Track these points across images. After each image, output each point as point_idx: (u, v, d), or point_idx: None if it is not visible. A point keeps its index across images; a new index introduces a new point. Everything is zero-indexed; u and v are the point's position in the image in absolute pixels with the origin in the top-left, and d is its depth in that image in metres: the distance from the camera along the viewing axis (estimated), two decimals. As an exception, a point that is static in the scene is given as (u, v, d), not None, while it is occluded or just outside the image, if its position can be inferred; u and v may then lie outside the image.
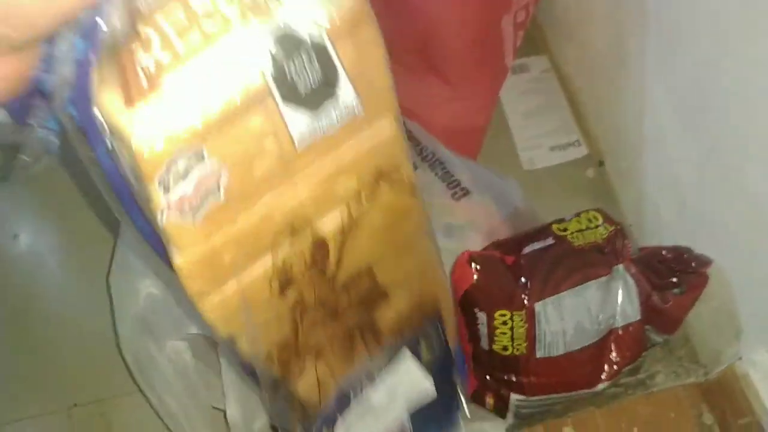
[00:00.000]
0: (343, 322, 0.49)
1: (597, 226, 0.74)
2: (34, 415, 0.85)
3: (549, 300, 0.67)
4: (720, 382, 0.75)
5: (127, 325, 0.68)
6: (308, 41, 0.34)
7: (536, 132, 1.01)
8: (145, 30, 0.30)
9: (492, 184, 0.84)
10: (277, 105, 0.34)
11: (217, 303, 0.40)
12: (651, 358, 0.81)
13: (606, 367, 0.71)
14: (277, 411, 0.51)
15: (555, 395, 0.71)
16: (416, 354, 0.59)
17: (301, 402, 0.51)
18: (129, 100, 0.31)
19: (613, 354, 0.71)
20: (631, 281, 0.72)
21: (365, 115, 0.39)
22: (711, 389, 0.77)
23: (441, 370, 0.66)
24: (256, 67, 0.33)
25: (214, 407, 0.70)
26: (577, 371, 0.70)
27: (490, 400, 0.71)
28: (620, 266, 0.72)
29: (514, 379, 0.70)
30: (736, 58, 0.64)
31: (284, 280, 0.42)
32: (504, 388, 0.71)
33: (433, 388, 0.64)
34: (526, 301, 0.66)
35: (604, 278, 0.70)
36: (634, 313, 0.72)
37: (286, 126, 0.35)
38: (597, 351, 0.70)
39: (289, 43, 0.34)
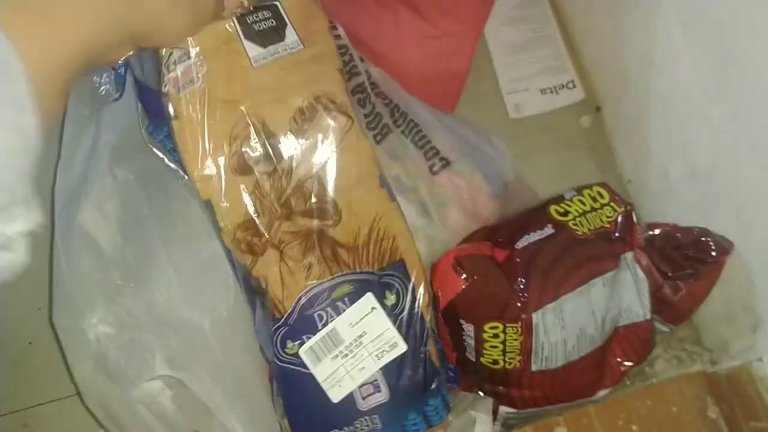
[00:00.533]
0: (299, 225, 0.55)
1: (602, 206, 0.62)
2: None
3: (549, 307, 0.56)
4: (730, 378, 0.67)
5: (84, 369, 0.56)
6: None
7: (524, 71, 0.86)
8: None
9: (478, 151, 0.70)
10: (240, 39, 0.53)
11: (198, 167, 0.53)
12: (650, 341, 0.72)
13: (608, 373, 0.62)
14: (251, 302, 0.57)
15: (549, 407, 0.62)
16: (380, 301, 0.56)
17: (266, 297, 0.55)
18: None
19: (618, 358, 0.62)
20: (641, 275, 0.62)
21: (307, 51, 0.55)
22: (718, 381, 0.69)
23: (410, 330, 0.57)
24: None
25: None
26: (576, 381, 0.61)
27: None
28: (629, 255, 0.62)
29: (504, 391, 0.61)
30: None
31: (242, 165, 0.53)
32: (492, 398, 0.62)
33: (403, 342, 0.56)
34: (522, 312, 0.55)
35: (610, 273, 0.60)
36: (643, 311, 0.62)
37: (246, 51, 0.53)
38: (599, 356, 0.61)
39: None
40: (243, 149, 0.52)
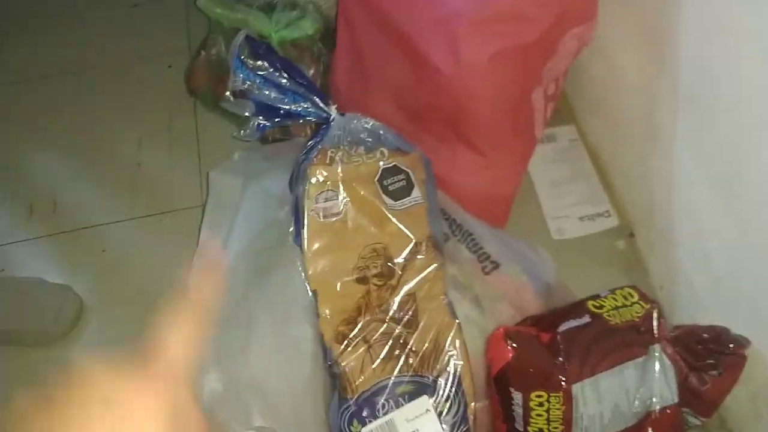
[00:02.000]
0: (389, 329, 0.68)
1: (632, 304, 0.73)
2: None
3: (587, 381, 0.66)
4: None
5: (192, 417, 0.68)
6: (402, 169, 0.75)
7: (565, 202, 1.01)
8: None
9: (523, 256, 0.84)
10: (379, 192, 0.73)
11: (317, 264, 0.70)
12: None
13: (644, 451, 0.69)
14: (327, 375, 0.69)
15: (591, 481, 0.69)
16: (435, 404, 0.66)
17: (342, 377, 0.66)
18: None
19: (652, 438, 0.69)
20: (667, 362, 0.71)
21: (424, 204, 0.75)
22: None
23: (458, 427, 0.65)
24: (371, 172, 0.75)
25: None
26: (613, 456, 0.68)
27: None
28: (657, 346, 0.71)
29: (549, 461, 0.68)
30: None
31: (361, 276, 0.70)
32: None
33: None
34: (563, 382, 0.65)
35: (640, 359, 0.69)
36: (671, 396, 0.70)
37: (383, 200, 0.73)
38: (635, 434, 0.68)
39: (391, 169, 0.75)
40: (366, 264, 0.70)
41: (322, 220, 0.70)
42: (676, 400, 0.70)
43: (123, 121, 1.16)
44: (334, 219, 0.70)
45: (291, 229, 0.73)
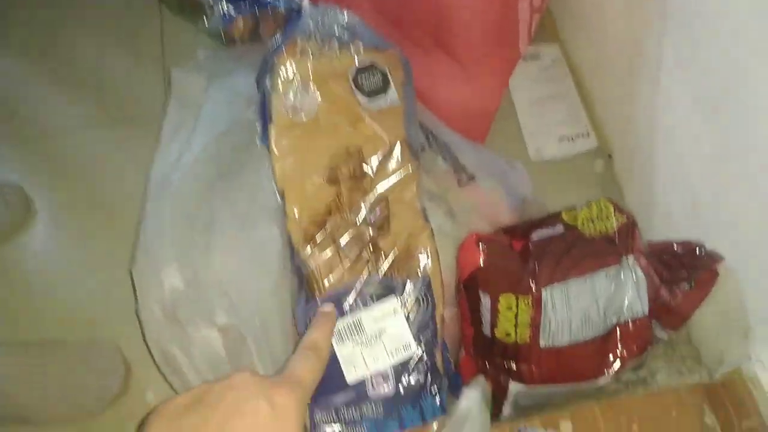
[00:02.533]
0: (359, 231, 0.66)
1: (607, 216, 0.72)
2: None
3: (557, 286, 0.65)
4: (725, 383, 0.73)
5: (151, 313, 0.65)
6: (378, 68, 0.70)
7: (544, 121, 0.99)
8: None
9: (499, 171, 0.81)
10: (351, 88, 0.68)
11: (284, 164, 0.66)
12: (653, 355, 0.79)
13: (610, 360, 0.69)
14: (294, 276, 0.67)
15: (556, 386, 0.68)
16: (403, 305, 0.64)
17: (309, 277, 0.64)
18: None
19: (619, 348, 0.69)
20: (640, 274, 0.70)
21: (400, 106, 0.70)
22: (715, 389, 0.75)
23: (423, 337, 0.64)
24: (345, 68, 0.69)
25: None
26: (580, 363, 0.67)
27: (488, 387, 0.68)
28: (630, 257, 0.70)
29: (514, 367, 0.67)
30: (759, 56, 0.62)
31: (332, 177, 0.66)
32: (504, 375, 0.69)
33: (415, 345, 0.63)
34: (533, 286, 0.64)
35: (613, 268, 0.68)
36: (642, 308, 0.69)
37: (357, 99, 0.68)
38: (602, 344, 0.68)
39: (367, 68, 0.70)
40: (339, 166, 0.67)
41: (291, 116, 0.66)
42: (646, 312, 0.69)
43: (86, 25, 1.09)
44: (304, 116, 0.66)
45: (258, 127, 0.69)
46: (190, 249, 0.66)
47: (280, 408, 0.41)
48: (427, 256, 0.66)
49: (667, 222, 0.86)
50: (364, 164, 0.67)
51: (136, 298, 0.66)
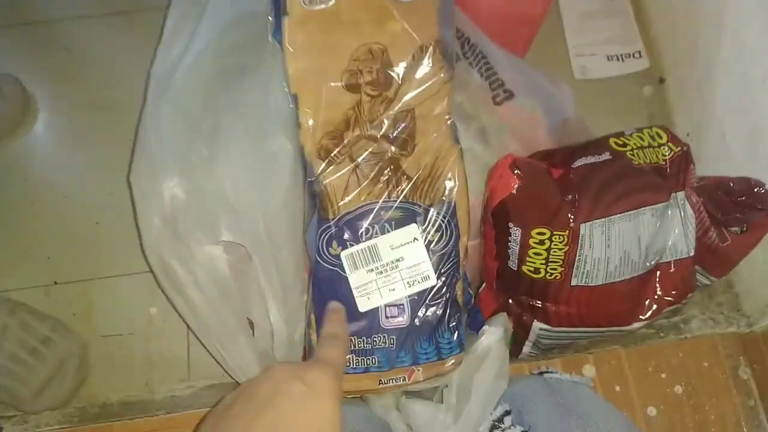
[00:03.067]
0: (381, 147, 0.59)
1: (660, 145, 0.64)
2: (10, 289, 0.79)
3: (597, 222, 0.58)
4: (766, 335, 0.67)
5: (152, 227, 0.59)
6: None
7: (593, 37, 0.89)
8: None
9: (541, 88, 0.73)
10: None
11: (296, 64, 0.58)
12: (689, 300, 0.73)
13: (646, 305, 0.63)
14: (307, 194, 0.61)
15: (583, 329, 0.63)
16: (424, 233, 0.59)
17: (323, 196, 0.58)
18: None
19: (658, 292, 0.63)
20: (690, 212, 0.63)
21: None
22: (754, 341, 0.69)
23: (444, 268, 0.59)
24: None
25: (248, 318, 0.63)
26: (613, 306, 0.62)
27: (509, 325, 0.64)
28: (681, 193, 0.63)
29: (540, 305, 0.62)
30: None
31: (353, 82, 0.58)
32: (528, 313, 0.64)
33: (435, 276, 0.58)
34: (571, 221, 0.57)
35: (661, 205, 0.61)
36: (687, 249, 0.63)
37: None
38: (639, 286, 0.62)
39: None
40: (360, 69, 0.58)
41: (307, 6, 0.58)
42: (691, 254, 0.63)
43: None
44: (322, 6, 0.58)
45: (271, 19, 0.61)
46: (193, 158, 0.60)
47: (315, 386, 0.43)
48: (455, 180, 0.59)
49: (720, 153, 0.77)
50: (388, 69, 0.60)
51: (134, 208, 0.60)
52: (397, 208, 0.59)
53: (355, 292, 0.58)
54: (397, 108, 0.59)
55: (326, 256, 0.58)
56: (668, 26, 0.85)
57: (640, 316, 0.63)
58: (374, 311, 0.58)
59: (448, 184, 0.60)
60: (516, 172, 0.58)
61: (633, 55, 0.88)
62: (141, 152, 0.61)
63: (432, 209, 0.59)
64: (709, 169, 0.78)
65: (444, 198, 0.59)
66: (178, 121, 0.61)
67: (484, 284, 0.67)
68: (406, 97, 0.59)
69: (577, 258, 0.58)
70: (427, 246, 0.58)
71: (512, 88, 0.72)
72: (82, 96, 0.88)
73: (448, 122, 0.61)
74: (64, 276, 0.80)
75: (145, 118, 0.62)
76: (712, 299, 0.75)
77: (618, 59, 0.87)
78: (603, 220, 0.58)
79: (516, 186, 0.57)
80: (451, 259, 0.58)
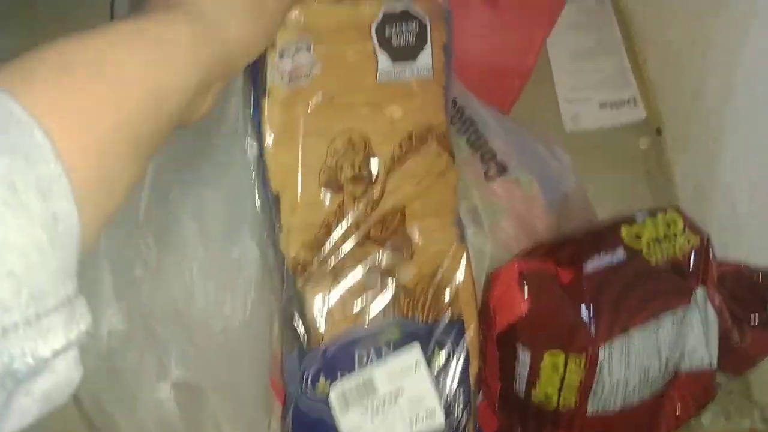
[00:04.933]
0: (367, 255, 0.49)
1: (676, 234, 0.56)
2: None
3: (617, 340, 0.50)
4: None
5: (86, 367, 0.48)
6: (415, 17, 0.49)
7: (585, 81, 0.80)
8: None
9: (536, 157, 0.64)
10: (374, 46, 0.48)
11: (279, 158, 0.48)
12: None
13: (664, 423, 0.56)
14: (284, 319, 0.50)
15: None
16: (427, 358, 0.49)
17: (305, 322, 0.48)
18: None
19: (677, 407, 0.56)
20: (712, 315, 0.56)
21: (433, 80, 0.51)
22: (771, 440, 0.63)
23: (453, 401, 0.50)
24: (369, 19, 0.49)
25: None
26: (628, 429, 0.54)
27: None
28: (701, 290, 0.55)
29: None
30: None
31: (332, 180, 0.49)
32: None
33: (442, 413, 0.49)
34: (589, 344, 0.49)
35: (680, 308, 0.53)
36: (709, 359, 0.56)
37: (376, 61, 0.49)
38: (657, 403, 0.55)
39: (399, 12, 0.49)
40: (339, 164, 0.49)
41: (287, 84, 0.46)
42: (714, 365, 0.55)
43: None
44: (303, 83, 0.47)
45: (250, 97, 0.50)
46: (136, 273, 0.48)
47: None
48: (462, 291, 0.50)
49: (730, 219, 0.70)
50: (372, 159, 0.49)
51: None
52: (394, 327, 0.49)
53: None
54: (385, 207, 0.49)
55: (311, 395, 0.48)
56: (666, 70, 0.77)
57: (657, 433, 0.56)
58: None
59: (455, 296, 0.50)
60: (525, 288, 0.49)
61: (627, 101, 0.79)
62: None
63: (436, 327, 0.49)
64: (714, 236, 0.71)
65: (450, 313, 0.50)
66: (116, 229, 0.49)
67: (480, 395, 0.58)
68: (395, 194, 0.49)
69: (595, 384, 0.50)
70: (433, 374, 0.49)
71: (505, 159, 0.62)
72: None
73: (452, 220, 0.51)
74: None
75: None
76: (722, 386, 0.68)
77: (612, 107, 0.79)
78: (622, 337, 0.50)
79: (528, 307, 0.48)
80: (461, 389, 0.49)
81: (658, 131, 0.79)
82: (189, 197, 0.50)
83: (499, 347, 0.52)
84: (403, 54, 0.49)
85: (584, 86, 0.79)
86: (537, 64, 0.77)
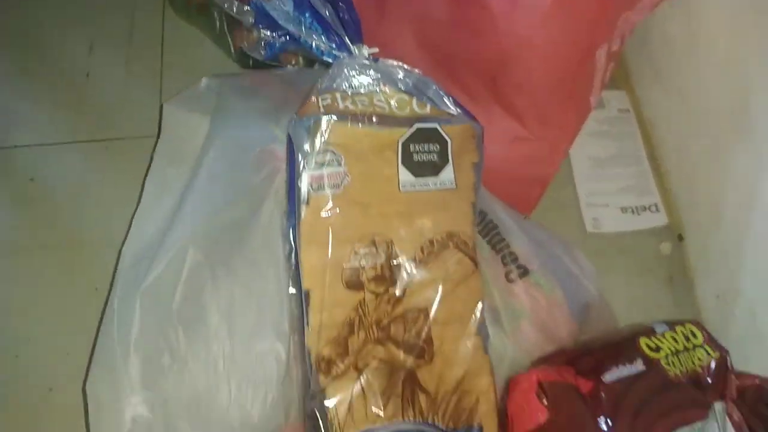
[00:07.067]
0: (390, 354, 0.51)
1: (695, 347, 0.57)
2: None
3: (635, 455, 0.50)
4: None
5: None
6: (440, 136, 0.55)
7: (606, 187, 0.83)
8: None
9: (559, 262, 0.66)
10: (397, 161, 0.53)
11: (312, 257, 0.51)
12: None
13: None
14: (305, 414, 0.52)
15: None
16: None
17: (325, 417, 0.50)
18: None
19: None
20: (731, 430, 0.55)
21: (461, 195, 0.55)
22: None
23: None
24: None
25: None
26: None
27: None
28: (719, 405, 0.55)
29: None
30: None
31: (354, 280, 0.52)
32: None
33: None
34: (607, 457, 0.49)
35: (699, 423, 0.53)
36: (730, 474, 0.55)
37: (398, 175, 0.53)
38: None
39: (426, 132, 0.54)
40: (361, 264, 0.51)
41: (319, 192, 0.51)
42: (734, 483, 0.55)
43: (75, 20, 0.92)
44: (336, 192, 0.51)
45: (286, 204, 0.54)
46: (164, 363, 0.51)
47: None
48: (484, 401, 0.51)
49: (750, 330, 0.70)
50: (395, 261, 0.52)
51: (87, 424, 0.51)
52: (414, 431, 0.50)
53: None
54: (406, 308, 0.52)
55: None
56: (688, 183, 0.80)
57: None
58: None
59: (476, 404, 0.52)
60: (544, 400, 0.50)
61: (649, 208, 0.82)
62: (102, 356, 0.53)
63: None
64: (734, 345, 0.71)
65: (470, 421, 0.51)
66: (149, 318, 0.52)
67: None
68: (419, 297, 0.52)
69: (612, 498, 0.50)
70: None
71: (527, 263, 0.65)
72: (46, 234, 0.79)
73: (474, 326, 0.53)
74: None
75: (111, 311, 0.53)
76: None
77: (633, 212, 0.82)
78: (641, 450, 0.50)
79: (546, 418, 0.49)
80: None
81: (680, 237, 0.81)
82: (220, 294, 0.53)
83: (516, 454, 0.52)
84: (425, 170, 0.53)
85: (606, 192, 0.83)
86: (560, 167, 0.81)
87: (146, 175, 0.61)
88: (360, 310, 0.51)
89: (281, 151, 0.57)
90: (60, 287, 0.76)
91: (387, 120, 0.52)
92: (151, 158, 0.63)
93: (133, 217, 0.59)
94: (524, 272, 0.64)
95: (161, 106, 0.69)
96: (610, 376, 0.53)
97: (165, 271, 0.53)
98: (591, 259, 0.75)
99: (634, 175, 0.84)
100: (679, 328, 0.58)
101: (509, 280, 0.64)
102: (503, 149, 0.72)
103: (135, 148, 0.81)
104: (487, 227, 0.66)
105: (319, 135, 0.50)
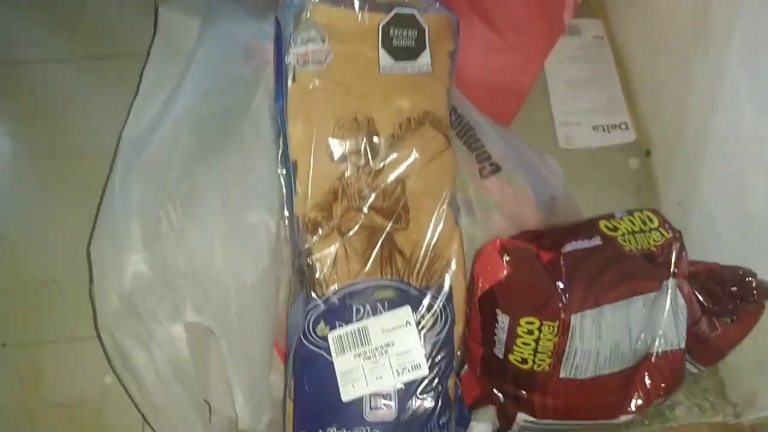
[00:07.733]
0: (370, 219, 0.57)
1: (651, 230, 0.62)
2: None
3: (588, 312, 0.55)
4: (754, 428, 0.65)
5: (109, 303, 0.55)
6: (418, 23, 0.58)
7: (579, 106, 0.88)
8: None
9: (528, 163, 0.71)
10: (378, 44, 0.57)
11: (298, 129, 0.56)
12: (674, 386, 0.70)
13: (635, 398, 0.60)
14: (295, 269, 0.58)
15: (569, 422, 0.60)
16: (417, 318, 0.56)
17: (311, 271, 0.55)
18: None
19: (647, 384, 0.60)
20: (681, 302, 0.61)
21: (437, 80, 0.60)
22: (741, 431, 0.67)
23: (437, 357, 0.56)
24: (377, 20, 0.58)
25: (206, 401, 0.59)
26: (601, 399, 0.59)
27: (497, 421, 0.60)
28: (672, 281, 0.61)
29: (525, 396, 0.59)
30: None
31: (338, 152, 0.56)
32: (511, 404, 0.60)
33: (427, 366, 0.55)
34: (561, 311, 0.54)
35: (652, 294, 0.59)
36: (678, 340, 0.60)
37: (378, 58, 0.58)
38: (628, 378, 0.59)
39: (404, 18, 0.58)
40: (344, 139, 0.56)
41: (303, 67, 0.55)
42: (682, 346, 0.60)
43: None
44: (318, 68, 0.55)
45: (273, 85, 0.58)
46: (162, 229, 0.56)
47: None
48: (453, 264, 0.56)
49: (708, 231, 0.75)
50: (375, 137, 0.57)
51: (91, 279, 0.56)
52: (390, 287, 0.55)
53: (339, 379, 0.54)
54: (385, 179, 0.57)
55: (312, 337, 0.54)
56: (655, 101, 0.85)
57: (628, 409, 0.60)
58: (358, 401, 0.54)
59: (446, 267, 0.57)
60: (505, 258, 0.55)
61: (619, 126, 0.87)
62: (104, 222, 0.57)
63: (427, 292, 0.56)
64: (695, 245, 0.76)
65: (440, 281, 0.56)
66: (149, 191, 0.57)
67: (465, 367, 0.64)
68: (396, 169, 0.57)
69: (566, 350, 0.55)
70: (420, 331, 0.55)
71: (499, 161, 0.69)
72: (47, 143, 0.83)
73: (448, 201, 0.58)
74: (13, 337, 0.74)
75: (113, 184, 0.58)
76: (697, 383, 0.72)
77: (604, 130, 0.87)
78: (594, 310, 0.56)
79: (505, 273, 0.54)
80: (445, 347, 0.55)
81: (647, 153, 0.86)
82: (213, 173, 0.57)
83: (480, 312, 0.57)
84: (404, 54, 0.58)
85: (578, 111, 0.87)
86: (536, 90, 0.86)
87: (143, 70, 0.65)
88: (343, 180, 0.56)
89: (270, 45, 0.61)
90: (59, 192, 0.81)
91: (368, 4, 0.56)
92: (148, 54, 0.67)
93: (130, 108, 0.63)
94: (496, 169, 0.69)
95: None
96: (569, 247, 0.58)
97: (161, 149, 0.57)
98: (564, 172, 0.80)
99: (606, 96, 0.88)
100: (636, 213, 0.63)
101: (482, 176, 0.69)
102: (482, 58, 0.77)
103: (129, 65, 0.85)
104: (463, 129, 0.71)
105: (304, 15, 0.54)
